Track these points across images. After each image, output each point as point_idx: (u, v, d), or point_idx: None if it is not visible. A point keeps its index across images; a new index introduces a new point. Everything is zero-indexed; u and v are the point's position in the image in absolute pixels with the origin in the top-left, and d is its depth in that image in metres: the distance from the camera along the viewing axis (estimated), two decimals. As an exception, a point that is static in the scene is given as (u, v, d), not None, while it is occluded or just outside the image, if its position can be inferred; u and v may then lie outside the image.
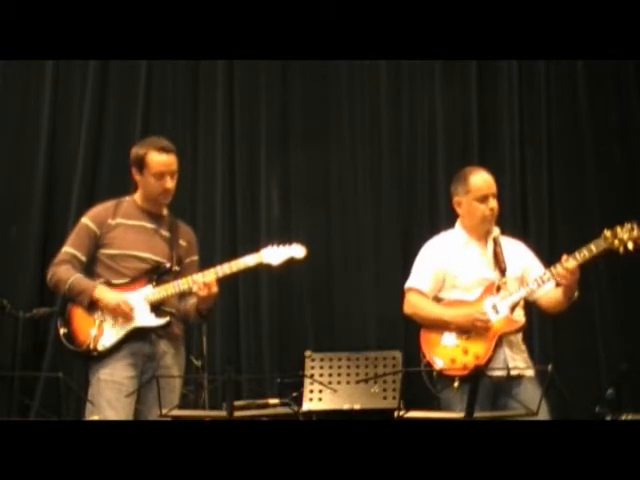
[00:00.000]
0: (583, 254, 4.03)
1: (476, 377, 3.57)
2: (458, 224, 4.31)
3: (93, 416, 3.92)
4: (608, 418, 4.16)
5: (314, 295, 5.93)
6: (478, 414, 3.49)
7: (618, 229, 4.05)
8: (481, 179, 4.22)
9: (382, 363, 4.56)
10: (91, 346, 4.07)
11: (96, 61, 5.92)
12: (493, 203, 4.19)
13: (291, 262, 4.24)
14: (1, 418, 4.76)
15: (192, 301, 4.24)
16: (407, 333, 5.58)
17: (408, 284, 4.29)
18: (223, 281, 4.17)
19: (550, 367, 3.71)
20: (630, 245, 4.02)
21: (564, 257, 4.04)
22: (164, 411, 3.59)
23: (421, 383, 4.16)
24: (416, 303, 4.22)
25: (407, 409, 3.58)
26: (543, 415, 3.80)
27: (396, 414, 3.64)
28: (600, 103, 5.91)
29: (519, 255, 4.28)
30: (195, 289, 4.10)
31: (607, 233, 4.05)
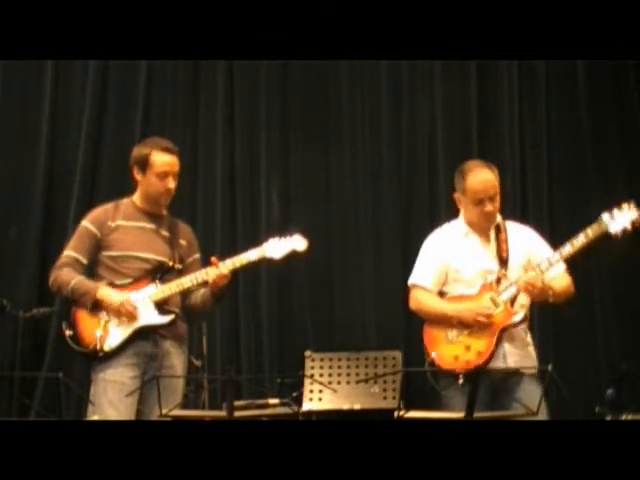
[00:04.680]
0: (581, 240, 3.97)
1: (476, 377, 3.57)
2: (461, 215, 4.24)
3: (94, 416, 3.92)
4: (608, 418, 4.16)
5: (314, 295, 5.93)
6: (478, 414, 3.49)
7: (616, 211, 3.98)
8: (477, 182, 4.09)
9: (382, 363, 4.55)
10: (97, 347, 4.07)
11: (96, 61, 5.92)
12: (489, 207, 4.08)
13: (293, 255, 4.24)
14: (1, 418, 4.76)
15: (201, 292, 4.26)
16: (407, 333, 5.60)
17: (412, 280, 4.24)
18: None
19: (550, 367, 3.72)
20: (629, 227, 3.96)
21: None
22: (164, 411, 3.59)
23: (421, 383, 4.16)
24: (420, 299, 4.18)
25: (407, 409, 3.58)
26: (542, 415, 3.80)
27: (396, 414, 3.64)
28: (600, 103, 5.91)
29: (523, 240, 4.19)
30: (209, 278, 4.12)
31: (605, 217, 3.98)
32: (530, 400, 3.67)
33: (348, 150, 6.07)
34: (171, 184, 4.21)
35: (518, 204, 5.83)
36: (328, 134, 6.10)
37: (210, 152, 6.04)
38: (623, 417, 4.09)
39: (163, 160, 4.20)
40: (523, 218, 5.69)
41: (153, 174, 4.20)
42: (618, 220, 3.96)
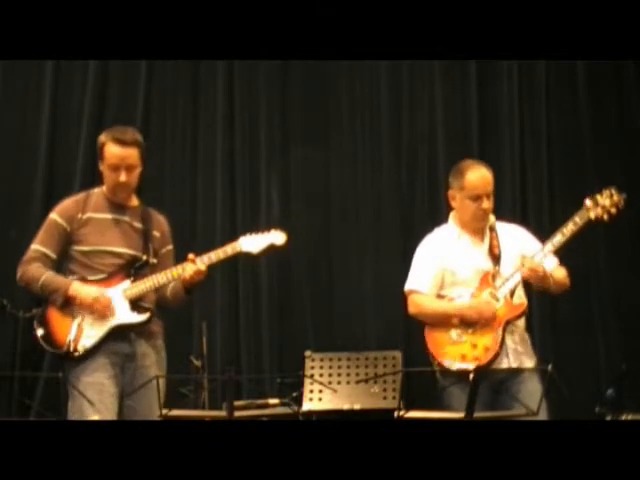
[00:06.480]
0: (570, 228, 4.09)
1: (476, 377, 3.56)
2: (451, 218, 4.32)
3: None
4: (608, 418, 4.16)
5: (314, 295, 5.93)
6: (478, 414, 3.49)
7: (598, 197, 4.15)
8: (477, 177, 4.19)
9: (382, 363, 4.54)
10: (71, 347, 3.96)
11: (96, 61, 5.92)
12: (486, 204, 4.17)
13: (272, 250, 4.22)
14: (1, 418, 4.76)
15: (171, 285, 4.14)
16: (407, 333, 5.60)
17: (409, 286, 4.29)
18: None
19: (550, 367, 3.72)
20: (613, 210, 4.14)
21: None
22: (164, 411, 3.59)
23: (421, 383, 4.16)
24: (420, 302, 4.23)
25: (407, 409, 3.58)
26: (541, 415, 3.80)
27: (396, 414, 3.64)
28: (600, 103, 5.90)
29: (515, 239, 4.26)
30: (186, 275, 4.00)
31: (588, 203, 4.15)
32: (531, 399, 3.67)
33: (348, 150, 6.07)
34: (122, 177, 4.05)
35: (518, 204, 5.83)
36: (328, 134, 6.10)
37: (210, 152, 6.04)
38: (623, 417, 4.09)
39: (112, 152, 4.06)
40: (523, 218, 5.72)
41: (105, 166, 4.10)
42: (601, 205, 4.13)
